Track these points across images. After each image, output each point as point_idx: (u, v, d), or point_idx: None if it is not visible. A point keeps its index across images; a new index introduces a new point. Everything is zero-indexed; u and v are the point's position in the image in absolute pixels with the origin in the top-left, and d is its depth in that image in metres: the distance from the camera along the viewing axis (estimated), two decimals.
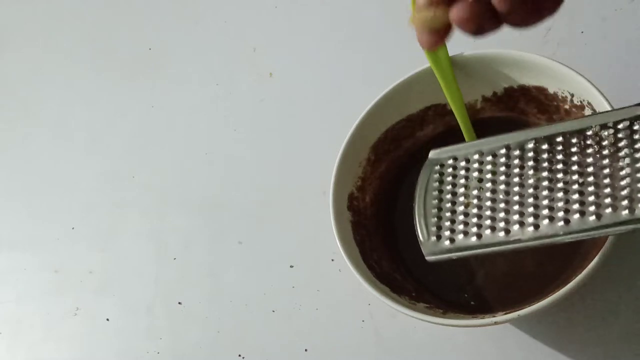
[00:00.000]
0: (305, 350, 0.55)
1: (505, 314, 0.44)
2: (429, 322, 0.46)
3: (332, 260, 0.56)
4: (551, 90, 0.50)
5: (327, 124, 0.62)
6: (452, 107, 0.50)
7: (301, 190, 0.61)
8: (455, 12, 0.34)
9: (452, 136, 0.50)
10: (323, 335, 0.55)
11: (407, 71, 0.53)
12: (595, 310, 0.49)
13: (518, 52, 0.49)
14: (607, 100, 0.45)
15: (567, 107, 0.49)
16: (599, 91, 0.45)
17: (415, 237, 0.50)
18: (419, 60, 0.50)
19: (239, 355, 0.56)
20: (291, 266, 0.58)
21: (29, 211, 0.69)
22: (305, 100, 0.66)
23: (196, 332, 0.58)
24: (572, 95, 0.48)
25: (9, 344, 0.63)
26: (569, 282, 0.42)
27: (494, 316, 0.44)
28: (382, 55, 0.65)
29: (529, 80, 0.50)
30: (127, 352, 0.59)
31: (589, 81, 0.46)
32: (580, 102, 0.48)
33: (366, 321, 0.54)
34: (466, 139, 0.50)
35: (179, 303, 0.60)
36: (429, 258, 0.39)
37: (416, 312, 0.46)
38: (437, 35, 0.35)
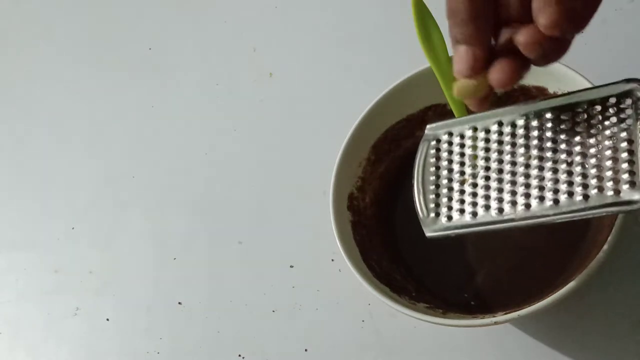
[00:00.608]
0: (305, 350, 0.55)
1: (505, 314, 0.44)
2: (429, 322, 0.46)
3: (332, 260, 0.56)
4: (551, 90, 0.50)
5: (327, 124, 0.62)
6: (452, 107, 0.50)
7: (301, 190, 0.61)
8: (495, 78, 0.35)
9: None
10: (323, 335, 0.55)
11: (407, 71, 0.53)
12: (596, 310, 0.49)
13: None
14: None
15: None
16: (591, 83, 0.45)
17: (416, 237, 0.50)
18: (419, 60, 0.50)
19: (239, 355, 0.56)
20: (291, 266, 0.58)
21: (29, 211, 0.69)
22: (305, 100, 0.66)
23: (196, 332, 0.58)
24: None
25: (9, 344, 0.63)
26: (569, 282, 0.42)
27: (494, 316, 0.44)
28: (382, 55, 0.65)
29: (529, 79, 0.50)
30: (127, 352, 0.59)
31: (589, 81, 0.46)
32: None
33: (366, 321, 0.54)
34: (455, 114, 0.49)
35: (179, 303, 0.60)
36: (428, 235, 0.39)
37: (416, 312, 0.46)
38: (481, 100, 0.37)
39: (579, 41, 0.33)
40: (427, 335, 0.52)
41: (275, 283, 0.58)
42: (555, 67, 0.48)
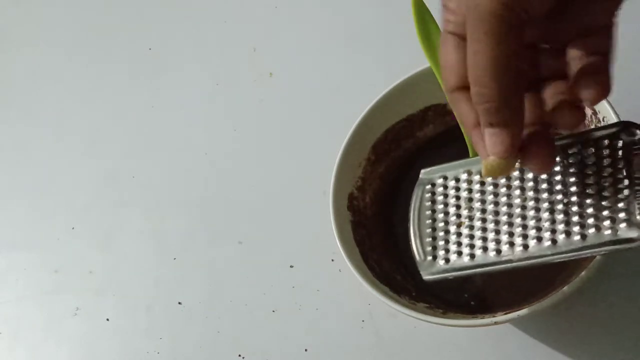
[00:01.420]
0: (305, 350, 0.55)
1: (505, 314, 0.44)
2: (429, 322, 0.46)
3: (332, 260, 0.56)
4: None
5: (327, 124, 0.62)
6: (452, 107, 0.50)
7: (301, 190, 0.61)
8: (535, 166, 0.34)
9: (452, 136, 0.50)
10: (323, 335, 0.55)
11: (407, 71, 0.53)
12: (596, 310, 0.49)
13: None
14: (608, 102, 0.45)
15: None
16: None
17: None
18: (419, 60, 0.50)
19: (239, 355, 0.56)
20: (291, 266, 0.58)
21: (29, 211, 0.69)
22: (305, 100, 0.66)
23: (196, 332, 0.58)
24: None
25: (9, 344, 0.63)
26: (569, 282, 0.42)
27: (494, 316, 0.44)
28: (382, 55, 0.65)
29: None
30: (127, 352, 0.59)
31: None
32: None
33: (366, 321, 0.54)
34: (466, 139, 0.49)
35: (179, 303, 0.60)
36: (426, 278, 0.40)
37: (416, 312, 0.46)
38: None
39: None
40: (427, 335, 0.52)
41: (275, 283, 0.58)
42: None
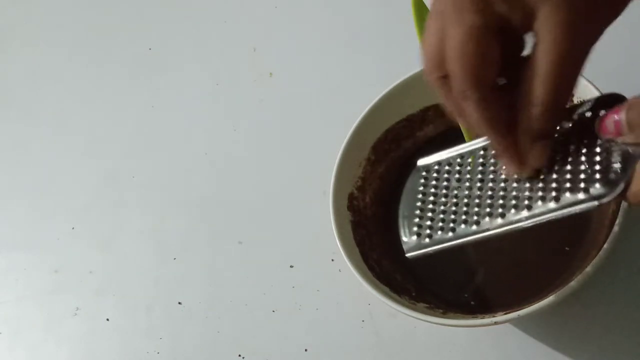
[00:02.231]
0: (305, 350, 0.55)
1: (505, 314, 0.44)
2: (429, 322, 0.46)
3: (332, 260, 0.56)
4: None
5: (327, 124, 0.62)
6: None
7: (301, 190, 0.61)
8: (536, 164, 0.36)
9: (452, 136, 0.50)
10: (323, 335, 0.55)
11: (407, 71, 0.53)
12: (595, 310, 0.49)
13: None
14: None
15: (567, 107, 0.49)
16: (599, 91, 0.45)
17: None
18: (419, 60, 0.50)
19: (239, 355, 0.56)
20: (291, 266, 0.58)
21: (29, 211, 0.69)
22: (305, 100, 0.66)
23: (196, 332, 0.58)
24: (572, 95, 0.48)
25: (9, 344, 0.63)
26: (569, 282, 0.42)
27: (494, 316, 0.44)
28: (382, 56, 0.65)
29: None
30: (127, 352, 0.59)
31: (589, 81, 0.46)
32: (580, 102, 0.48)
33: (366, 321, 0.54)
34: (466, 139, 0.49)
35: (179, 303, 0.60)
36: (408, 255, 0.41)
37: (416, 312, 0.46)
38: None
39: None
40: (427, 335, 0.52)
41: (275, 283, 0.58)
42: None
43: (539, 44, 0.33)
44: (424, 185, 0.41)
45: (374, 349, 0.53)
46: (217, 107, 0.69)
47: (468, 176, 0.40)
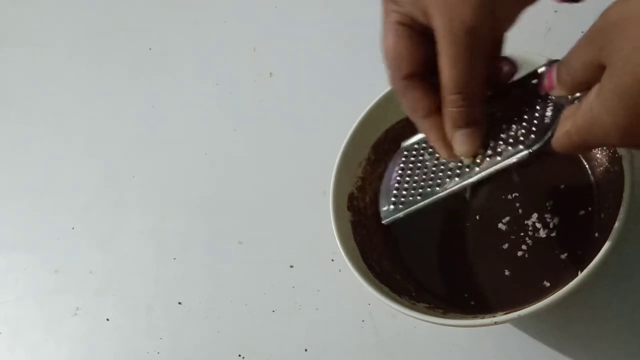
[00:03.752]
0: (305, 350, 0.55)
1: (505, 314, 0.44)
2: (429, 322, 0.46)
3: (332, 260, 0.56)
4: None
5: (327, 124, 0.62)
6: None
7: (301, 190, 0.61)
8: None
9: None
10: (323, 335, 0.55)
11: None
12: (595, 310, 0.49)
13: (519, 52, 0.49)
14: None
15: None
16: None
17: (416, 237, 0.53)
18: None
19: (239, 355, 0.56)
20: (291, 266, 0.58)
21: (29, 211, 0.69)
22: (305, 100, 0.66)
23: (196, 332, 0.58)
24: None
25: (9, 344, 0.63)
26: (569, 282, 0.42)
27: (494, 316, 0.44)
28: (382, 55, 0.65)
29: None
30: (127, 352, 0.59)
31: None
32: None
33: (366, 321, 0.54)
34: None
35: (179, 303, 0.60)
36: (383, 221, 0.45)
37: (416, 312, 0.46)
38: None
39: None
40: (427, 335, 0.52)
41: (275, 283, 0.58)
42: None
43: (437, 40, 0.38)
44: (403, 163, 0.46)
45: (374, 349, 0.53)
46: (217, 107, 0.68)
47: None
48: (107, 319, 0.61)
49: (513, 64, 0.41)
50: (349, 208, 0.53)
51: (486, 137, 0.41)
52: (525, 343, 0.50)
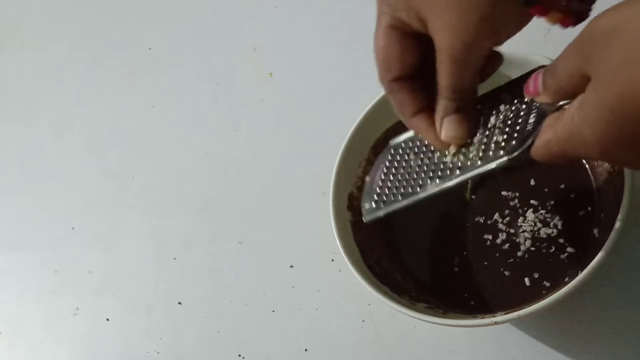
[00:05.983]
0: (305, 350, 0.55)
1: (505, 314, 0.44)
2: (429, 322, 0.46)
3: (332, 260, 0.56)
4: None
5: (327, 124, 0.62)
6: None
7: (301, 190, 0.61)
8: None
9: None
10: (323, 335, 0.55)
11: None
12: (595, 310, 0.49)
13: (519, 52, 0.49)
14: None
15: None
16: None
17: (416, 237, 0.53)
18: None
19: (239, 355, 0.56)
20: (291, 266, 0.58)
21: (29, 211, 0.69)
22: (305, 100, 0.66)
23: (196, 332, 0.58)
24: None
25: (9, 344, 0.63)
26: (569, 282, 0.42)
27: (494, 316, 0.44)
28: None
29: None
30: (127, 352, 0.59)
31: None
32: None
33: (366, 321, 0.54)
34: None
35: (179, 303, 0.60)
36: (365, 220, 0.45)
37: (416, 312, 0.46)
38: None
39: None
40: (427, 335, 0.52)
41: (275, 283, 0.58)
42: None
43: (437, 53, 0.39)
44: (389, 162, 0.46)
45: (374, 349, 0.53)
46: (217, 107, 0.68)
47: (424, 149, 0.44)
48: (107, 319, 0.61)
49: (499, 57, 0.42)
50: (349, 208, 0.53)
51: (474, 128, 0.41)
52: (525, 343, 0.50)
